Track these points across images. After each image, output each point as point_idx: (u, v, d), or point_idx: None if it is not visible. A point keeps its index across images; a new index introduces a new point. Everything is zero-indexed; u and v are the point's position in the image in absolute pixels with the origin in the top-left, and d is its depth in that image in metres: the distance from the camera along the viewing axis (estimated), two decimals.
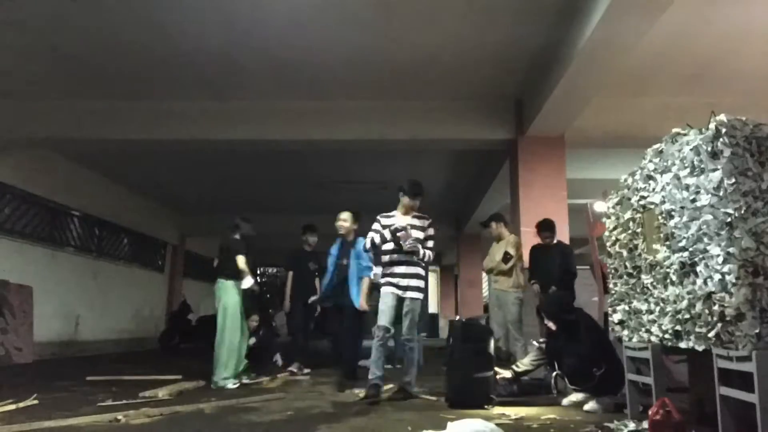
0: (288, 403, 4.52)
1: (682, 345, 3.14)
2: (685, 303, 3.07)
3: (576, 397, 4.38)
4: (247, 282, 5.64)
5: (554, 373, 4.55)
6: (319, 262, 7.24)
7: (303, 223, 7.60)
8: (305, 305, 7.10)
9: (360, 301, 6.03)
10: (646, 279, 3.56)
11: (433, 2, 5.42)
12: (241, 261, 5.61)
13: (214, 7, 5.47)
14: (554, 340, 4.50)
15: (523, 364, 4.73)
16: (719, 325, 2.76)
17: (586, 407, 4.11)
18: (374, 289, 5.86)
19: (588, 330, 4.39)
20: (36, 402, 4.19)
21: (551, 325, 4.51)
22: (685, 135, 3.19)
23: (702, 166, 2.93)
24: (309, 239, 7.36)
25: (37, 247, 9.15)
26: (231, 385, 5.43)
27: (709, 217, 2.84)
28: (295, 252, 7.38)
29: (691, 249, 3.02)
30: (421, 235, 4.72)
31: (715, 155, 2.84)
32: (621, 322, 3.93)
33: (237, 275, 5.65)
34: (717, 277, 2.77)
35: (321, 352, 8.11)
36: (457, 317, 10.69)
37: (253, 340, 7.39)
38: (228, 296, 5.58)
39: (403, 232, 4.56)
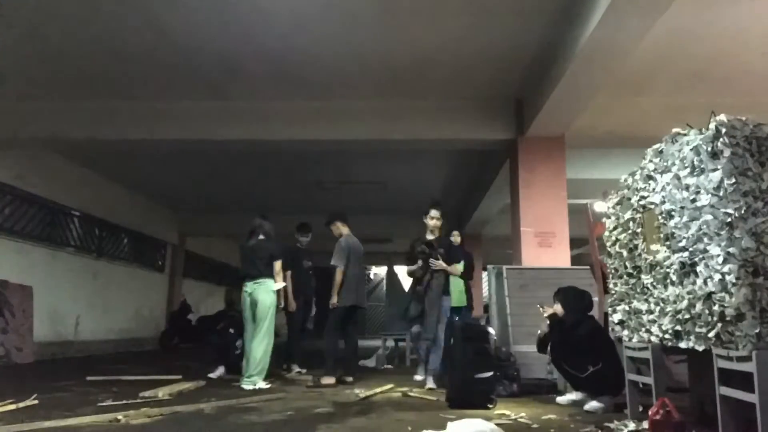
0: (288, 403, 4.52)
1: (682, 345, 3.14)
2: (685, 303, 3.07)
3: (575, 396, 4.39)
4: (280, 284, 5.80)
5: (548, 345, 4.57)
6: (313, 260, 7.28)
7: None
8: (304, 304, 7.11)
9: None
10: (646, 279, 3.56)
11: (433, 2, 5.41)
12: (278, 266, 5.75)
13: (214, 7, 5.46)
14: (556, 325, 4.51)
15: None
16: (719, 325, 2.76)
17: (586, 407, 4.11)
18: None
19: (592, 327, 4.41)
20: (36, 402, 4.19)
21: (559, 310, 4.53)
22: (685, 135, 3.19)
23: (702, 166, 2.94)
24: (301, 239, 7.39)
25: (37, 247, 9.14)
26: (263, 384, 5.43)
27: (709, 217, 2.85)
28: (291, 250, 7.36)
29: (691, 249, 3.03)
30: None
31: (715, 155, 2.85)
32: (621, 322, 3.93)
33: (274, 277, 5.76)
34: (717, 277, 2.77)
35: (319, 353, 8.08)
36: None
37: None
38: (268, 295, 5.64)
39: None
